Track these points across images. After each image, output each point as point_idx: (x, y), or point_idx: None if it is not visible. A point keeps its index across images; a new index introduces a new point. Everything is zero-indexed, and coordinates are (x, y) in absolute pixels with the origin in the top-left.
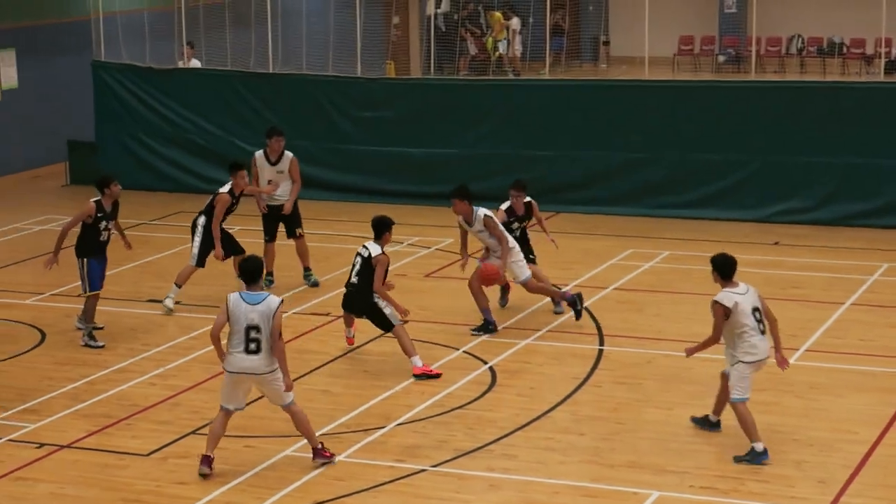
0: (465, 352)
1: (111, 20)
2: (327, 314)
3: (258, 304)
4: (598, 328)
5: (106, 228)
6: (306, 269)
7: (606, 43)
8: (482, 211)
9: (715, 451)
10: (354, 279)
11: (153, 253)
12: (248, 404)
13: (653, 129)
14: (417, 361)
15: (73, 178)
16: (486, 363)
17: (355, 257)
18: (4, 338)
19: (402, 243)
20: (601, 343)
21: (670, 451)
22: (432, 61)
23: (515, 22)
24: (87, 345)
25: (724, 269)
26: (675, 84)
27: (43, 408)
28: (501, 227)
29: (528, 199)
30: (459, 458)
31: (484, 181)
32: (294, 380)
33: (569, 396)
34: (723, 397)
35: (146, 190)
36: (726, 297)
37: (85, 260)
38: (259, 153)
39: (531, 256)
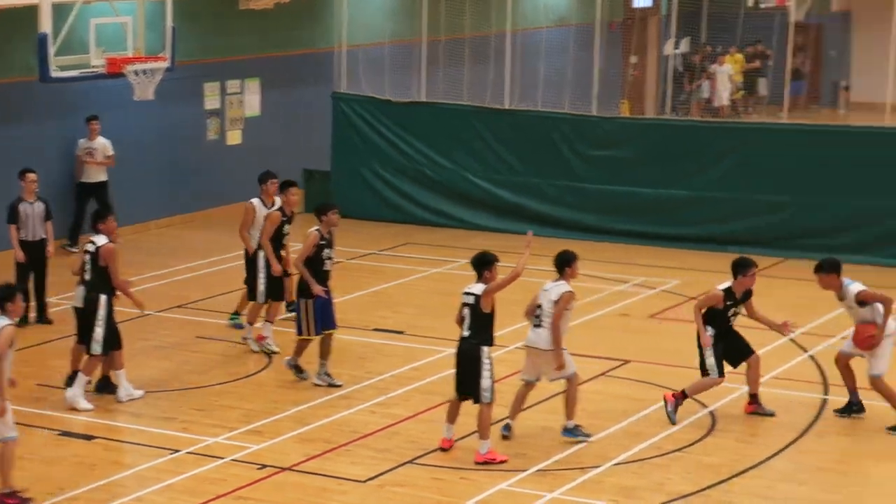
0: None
1: (353, 53)
2: None
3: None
4: (824, 377)
5: (328, 258)
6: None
7: (847, 88)
8: (855, 286)
9: None
10: (467, 332)
11: (382, 282)
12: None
13: (894, 178)
14: (485, 448)
15: (308, 206)
16: (705, 407)
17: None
18: (233, 360)
19: (628, 283)
20: (826, 392)
21: None
22: (668, 101)
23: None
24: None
25: None
26: None
27: (267, 429)
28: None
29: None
30: (675, 501)
31: (715, 224)
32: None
33: (790, 444)
34: None
35: (376, 220)
36: None
37: (308, 301)
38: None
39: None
